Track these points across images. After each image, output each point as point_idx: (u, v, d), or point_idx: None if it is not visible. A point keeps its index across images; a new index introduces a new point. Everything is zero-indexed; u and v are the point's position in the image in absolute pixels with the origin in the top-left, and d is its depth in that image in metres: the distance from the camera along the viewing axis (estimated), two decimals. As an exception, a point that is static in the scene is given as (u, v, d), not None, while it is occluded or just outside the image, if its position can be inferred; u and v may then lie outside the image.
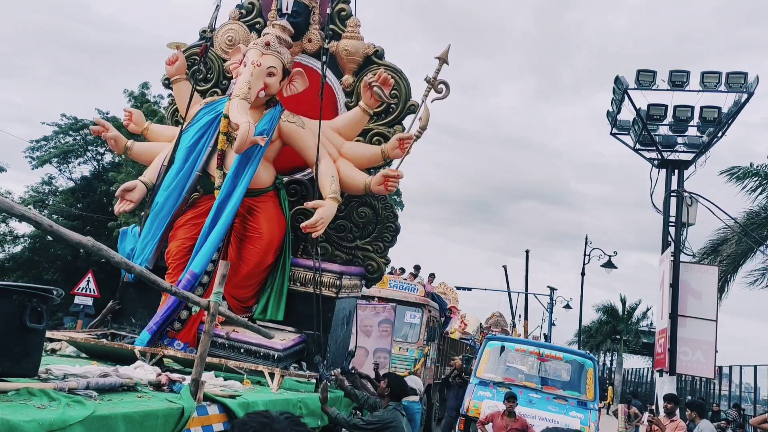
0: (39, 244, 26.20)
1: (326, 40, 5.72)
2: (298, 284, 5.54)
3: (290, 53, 5.56)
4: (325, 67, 5.61)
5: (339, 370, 6.08)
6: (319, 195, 5.37)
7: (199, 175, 5.50)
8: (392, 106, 5.81)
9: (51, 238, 28.64)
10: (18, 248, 27.05)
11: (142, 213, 5.70)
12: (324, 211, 5.20)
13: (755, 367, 19.43)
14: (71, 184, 28.27)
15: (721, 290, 16.10)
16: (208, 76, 6.16)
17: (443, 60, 5.49)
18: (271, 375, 4.74)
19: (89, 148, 27.90)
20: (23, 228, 27.66)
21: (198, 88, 5.91)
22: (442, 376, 17.78)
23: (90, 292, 17.70)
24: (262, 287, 5.52)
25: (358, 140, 5.77)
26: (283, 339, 5.25)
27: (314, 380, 5.40)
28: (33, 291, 2.90)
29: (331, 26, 5.86)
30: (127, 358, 5.17)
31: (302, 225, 5.18)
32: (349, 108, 5.81)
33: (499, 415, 8.78)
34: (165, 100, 24.92)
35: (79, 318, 17.31)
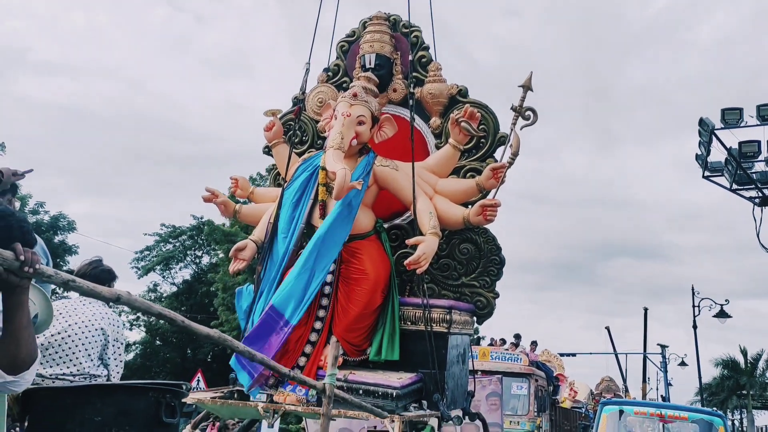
0: (149, 350, 27.35)
1: (411, 85, 5.95)
2: (408, 323, 5.55)
3: (377, 102, 5.83)
4: (412, 108, 5.81)
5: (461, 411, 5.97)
6: (419, 234, 5.45)
7: (303, 229, 5.72)
8: (482, 140, 5.91)
9: (160, 343, 30.13)
10: (130, 356, 28.34)
11: (254, 274, 5.91)
12: (425, 246, 5.25)
13: None
14: (174, 288, 29.76)
15: None
16: (303, 138, 6.50)
17: (527, 87, 5.59)
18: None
19: (188, 252, 29.47)
20: (133, 336, 29.05)
21: (295, 150, 6.23)
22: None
23: (201, 390, 18.22)
24: (373, 329, 5.58)
25: (451, 177, 5.88)
26: (400, 377, 5.25)
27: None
28: (166, 387, 3.15)
29: (414, 74, 6.10)
30: (252, 413, 5.34)
31: (406, 262, 5.24)
32: (439, 149, 5.96)
33: None
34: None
35: (192, 418, 17.71)
